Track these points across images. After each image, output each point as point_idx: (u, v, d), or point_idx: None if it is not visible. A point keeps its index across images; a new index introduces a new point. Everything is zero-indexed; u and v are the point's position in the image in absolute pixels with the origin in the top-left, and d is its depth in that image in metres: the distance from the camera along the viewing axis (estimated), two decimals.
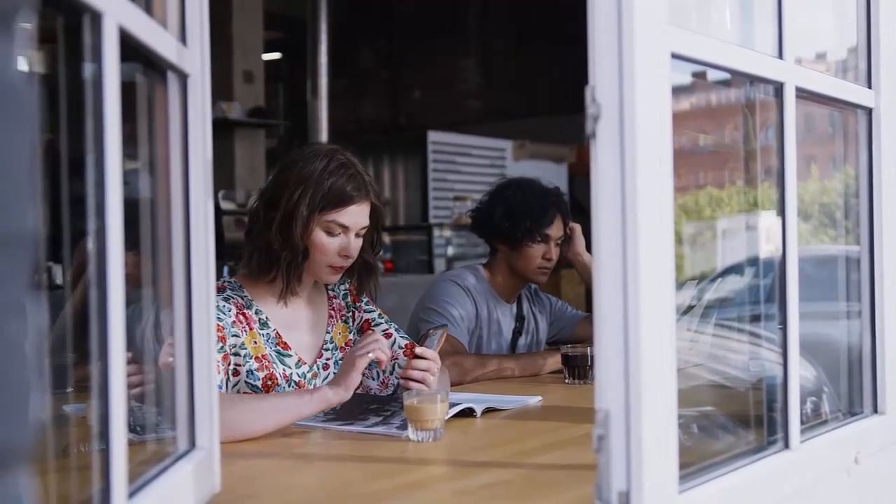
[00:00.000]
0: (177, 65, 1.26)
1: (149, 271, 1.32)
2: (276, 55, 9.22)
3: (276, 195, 2.09)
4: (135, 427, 1.26)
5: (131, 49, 1.07)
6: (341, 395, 1.90)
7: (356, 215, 2.10)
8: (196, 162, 1.32)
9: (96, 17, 0.96)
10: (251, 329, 2.09)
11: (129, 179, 1.03)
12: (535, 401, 2.27)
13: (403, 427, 1.83)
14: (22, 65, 0.57)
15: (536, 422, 2.09)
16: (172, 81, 1.29)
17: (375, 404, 2.08)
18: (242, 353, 2.05)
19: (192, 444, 1.32)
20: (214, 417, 1.35)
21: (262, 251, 2.10)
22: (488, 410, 2.10)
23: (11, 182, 0.54)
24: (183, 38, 1.30)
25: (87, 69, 0.97)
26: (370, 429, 1.90)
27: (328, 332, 2.24)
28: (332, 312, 2.27)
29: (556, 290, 5.71)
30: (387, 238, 7.52)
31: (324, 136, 7.33)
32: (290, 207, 2.06)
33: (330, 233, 2.09)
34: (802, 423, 1.50)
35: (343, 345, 2.26)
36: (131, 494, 1.04)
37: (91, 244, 0.97)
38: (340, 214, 2.08)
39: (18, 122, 0.54)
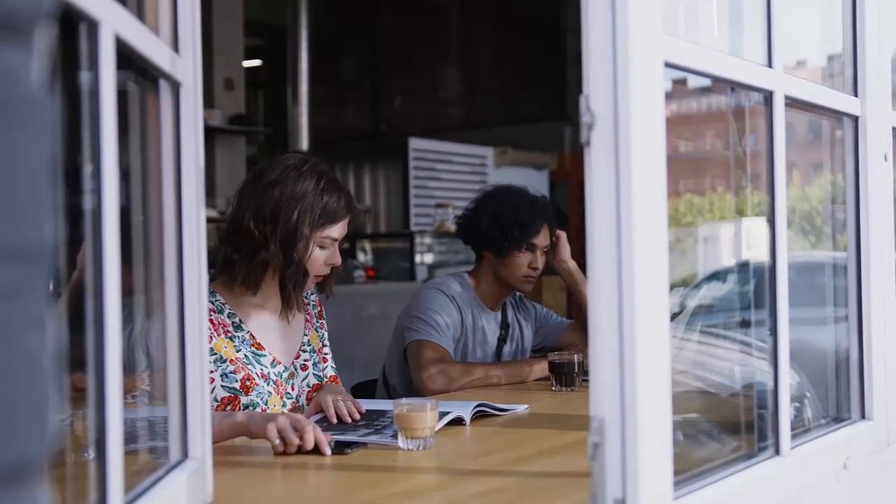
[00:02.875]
0: (170, 73, 1.25)
1: (140, 279, 1.31)
2: (256, 62, 9.19)
3: (271, 213, 2.12)
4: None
5: (125, 57, 1.06)
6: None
7: (344, 227, 2.22)
8: (188, 170, 1.31)
9: (93, 26, 0.95)
10: (224, 332, 2.13)
11: (119, 187, 1.02)
12: (522, 409, 2.27)
13: (396, 438, 1.83)
14: (39, 76, 0.56)
15: (526, 429, 2.09)
16: (165, 90, 1.28)
17: (366, 418, 2.07)
18: (212, 357, 2.08)
19: (185, 454, 1.31)
20: (207, 428, 1.34)
21: (258, 268, 2.13)
22: (478, 415, 2.10)
23: (30, 193, 0.53)
24: (175, 46, 1.30)
25: (83, 77, 0.97)
26: (363, 438, 1.89)
27: (305, 335, 2.31)
28: (308, 317, 2.34)
29: (538, 297, 5.71)
30: (368, 245, 7.50)
31: (304, 144, 7.31)
32: (290, 228, 2.12)
33: (322, 247, 2.18)
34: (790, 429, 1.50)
35: (318, 348, 2.33)
36: None
37: (86, 252, 0.96)
38: (334, 229, 2.19)
39: (37, 134, 0.54)
